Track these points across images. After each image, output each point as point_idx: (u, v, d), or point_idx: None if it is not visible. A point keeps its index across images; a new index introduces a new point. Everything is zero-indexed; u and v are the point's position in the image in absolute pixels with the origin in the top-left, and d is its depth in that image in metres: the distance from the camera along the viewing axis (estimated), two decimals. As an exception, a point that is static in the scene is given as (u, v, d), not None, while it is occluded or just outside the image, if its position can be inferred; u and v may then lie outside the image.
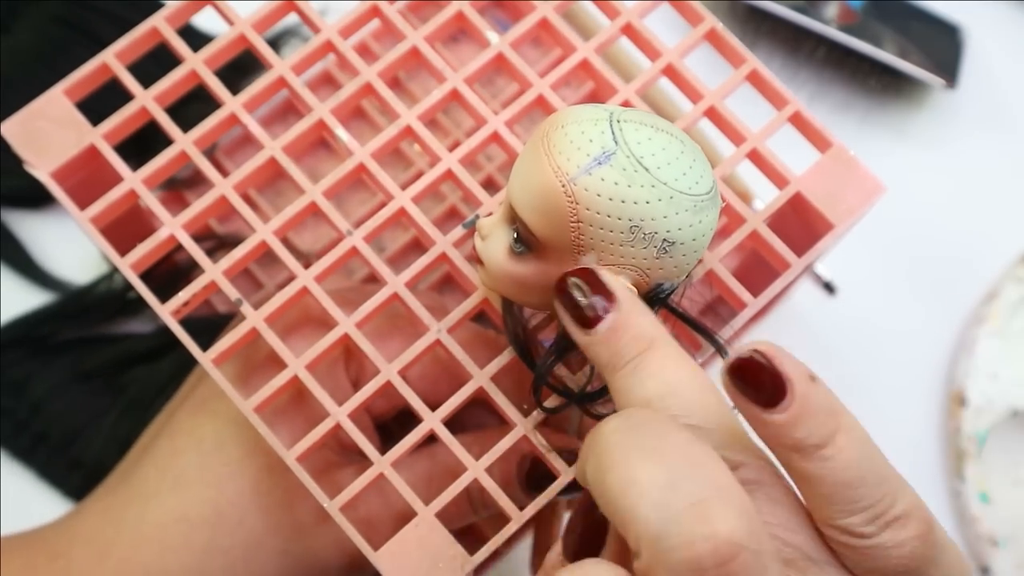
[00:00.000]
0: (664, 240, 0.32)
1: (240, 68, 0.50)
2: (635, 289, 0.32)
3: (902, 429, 0.54)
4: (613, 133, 0.31)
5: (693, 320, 0.36)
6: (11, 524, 0.49)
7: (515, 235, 0.33)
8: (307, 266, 0.38)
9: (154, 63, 0.42)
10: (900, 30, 0.55)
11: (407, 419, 0.46)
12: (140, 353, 0.51)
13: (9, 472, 0.50)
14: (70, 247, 0.51)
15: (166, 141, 0.39)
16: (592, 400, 0.36)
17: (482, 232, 0.34)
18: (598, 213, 0.31)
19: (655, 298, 0.34)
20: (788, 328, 0.55)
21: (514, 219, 0.33)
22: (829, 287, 0.54)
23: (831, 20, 0.54)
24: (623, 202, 0.31)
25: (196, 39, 0.42)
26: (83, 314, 0.51)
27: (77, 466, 0.50)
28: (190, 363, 0.46)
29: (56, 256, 0.53)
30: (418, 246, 0.52)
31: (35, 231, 0.53)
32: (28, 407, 0.50)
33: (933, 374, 0.55)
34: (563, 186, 0.31)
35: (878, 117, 0.56)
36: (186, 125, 0.39)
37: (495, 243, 0.34)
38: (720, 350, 0.36)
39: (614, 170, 0.31)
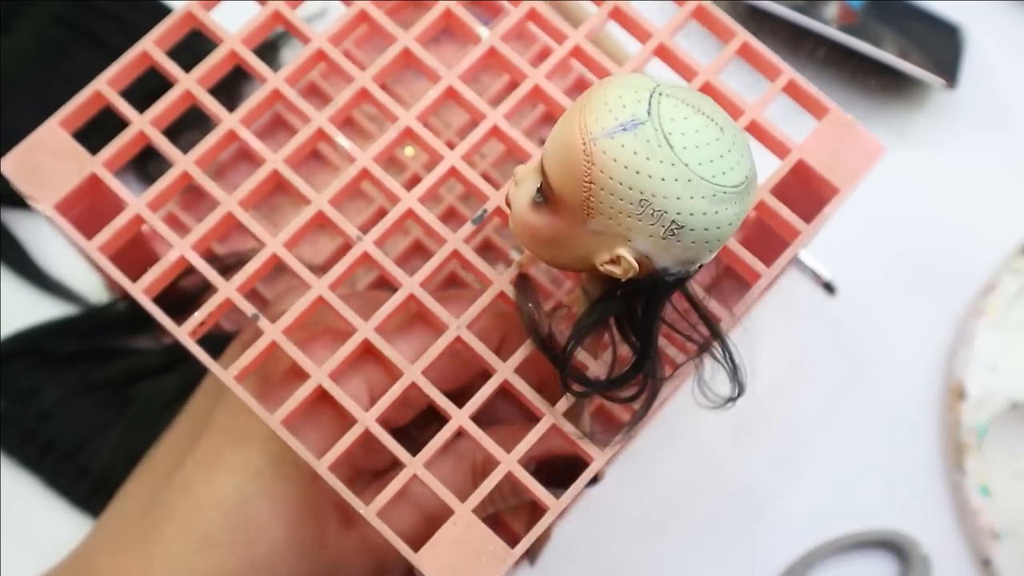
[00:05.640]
0: (673, 222, 0.31)
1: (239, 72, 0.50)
2: (636, 266, 0.32)
3: (902, 423, 0.54)
4: (649, 104, 0.31)
5: (703, 310, 0.36)
6: (16, 533, 0.50)
7: (539, 185, 0.33)
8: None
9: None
10: (900, 30, 0.55)
11: (423, 423, 0.46)
12: (149, 368, 0.51)
13: (16, 481, 0.50)
14: (70, 248, 0.51)
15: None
16: (616, 387, 0.36)
17: (516, 178, 0.34)
18: (611, 179, 0.31)
19: (659, 282, 0.33)
20: (788, 322, 0.55)
21: (543, 169, 0.33)
22: (829, 287, 0.54)
23: (831, 20, 0.54)
24: (637, 173, 0.30)
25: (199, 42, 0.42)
26: (95, 330, 0.51)
27: (84, 475, 0.50)
28: (196, 377, 0.46)
29: (56, 257, 0.53)
30: (419, 249, 0.52)
31: (35, 231, 0.53)
32: (36, 416, 0.50)
33: (932, 367, 0.54)
34: (583, 144, 0.31)
35: (878, 117, 0.57)
36: (185, 128, 0.39)
37: (523, 190, 0.34)
38: (724, 346, 0.36)
39: (637, 140, 0.30)
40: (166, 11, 0.54)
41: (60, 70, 0.53)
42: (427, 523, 0.39)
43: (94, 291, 0.53)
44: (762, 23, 0.57)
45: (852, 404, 0.53)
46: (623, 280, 0.33)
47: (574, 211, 0.32)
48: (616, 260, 0.32)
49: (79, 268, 0.52)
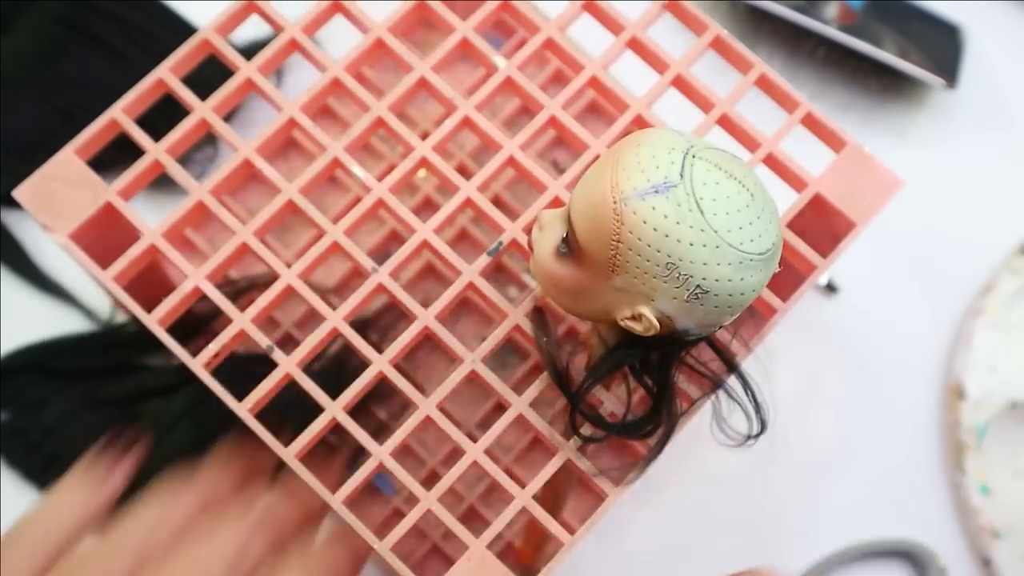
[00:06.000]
0: (698, 286, 0.31)
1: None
2: (657, 325, 0.32)
3: (902, 423, 0.54)
4: (683, 166, 0.30)
5: (724, 355, 0.36)
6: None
7: (564, 236, 0.33)
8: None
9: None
10: (900, 30, 0.55)
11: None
12: (157, 387, 0.51)
13: (18, 493, 0.50)
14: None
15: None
16: (631, 432, 0.36)
17: (541, 222, 0.34)
18: (639, 240, 0.31)
19: (676, 341, 0.34)
20: (787, 325, 0.54)
21: (569, 220, 0.33)
22: (831, 287, 0.54)
23: (831, 20, 0.54)
24: (666, 236, 0.30)
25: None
26: (106, 348, 0.51)
27: None
28: (203, 397, 0.45)
29: (56, 257, 0.53)
30: (430, 273, 0.51)
31: (35, 231, 0.53)
32: (41, 430, 0.50)
33: (931, 367, 0.54)
34: (614, 203, 0.30)
35: (878, 117, 0.56)
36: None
37: (547, 237, 0.34)
38: (746, 385, 0.36)
39: (668, 203, 0.30)
40: (166, 11, 0.54)
41: (60, 70, 0.53)
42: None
43: (93, 293, 0.52)
44: (762, 23, 0.56)
45: (852, 405, 0.53)
46: (642, 336, 0.33)
47: (599, 266, 0.32)
48: (637, 317, 0.32)
49: (78, 269, 0.52)
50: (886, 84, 0.57)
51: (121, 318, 0.52)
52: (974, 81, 0.57)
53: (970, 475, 0.52)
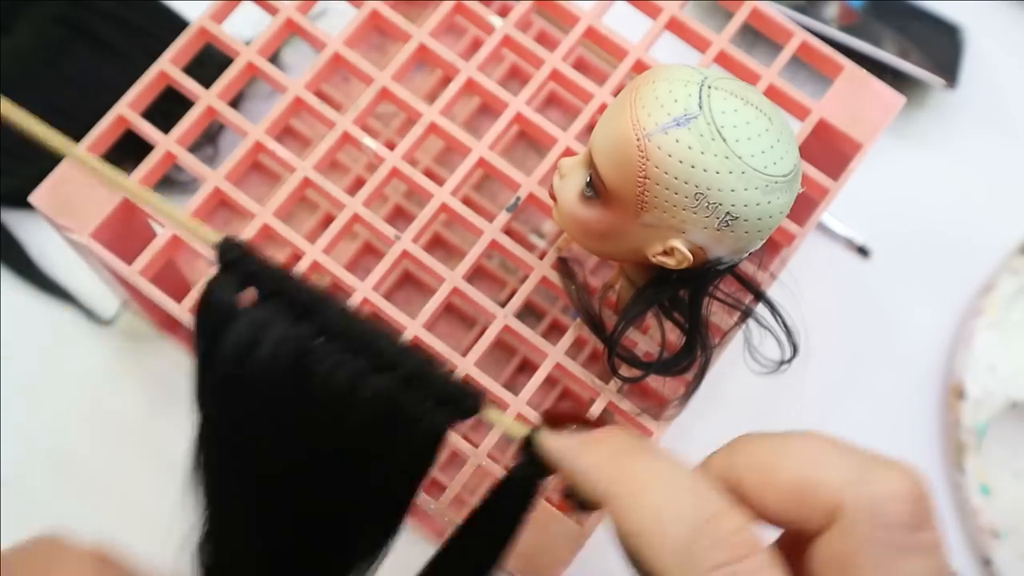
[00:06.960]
0: (727, 213, 0.31)
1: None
2: (691, 257, 0.33)
3: (902, 423, 0.54)
4: (700, 98, 0.31)
5: (751, 286, 0.36)
6: None
7: (588, 180, 0.33)
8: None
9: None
10: (900, 30, 0.55)
11: None
12: None
13: None
14: (69, 248, 0.51)
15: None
16: (669, 369, 0.37)
17: (561, 171, 0.35)
18: (666, 173, 0.31)
19: (705, 273, 0.34)
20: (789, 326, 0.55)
21: (591, 163, 0.33)
22: (863, 251, 0.55)
23: (831, 20, 0.54)
24: (692, 167, 0.31)
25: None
26: None
27: None
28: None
29: (56, 257, 0.52)
30: (437, 243, 0.52)
31: (35, 231, 0.53)
32: None
33: (931, 367, 0.55)
34: (637, 140, 0.31)
35: (878, 117, 0.57)
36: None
37: (570, 184, 0.34)
38: (774, 311, 0.37)
39: (691, 134, 0.31)
40: (165, 12, 0.54)
41: (60, 70, 0.53)
42: None
43: (92, 293, 0.52)
44: (762, 24, 0.57)
45: (852, 404, 0.53)
46: (675, 270, 0.33)
47: (627, 205, 0.32)
48: (670, 251, 0.33)
49: (78, 269, 0.52)
50: (886, 84, 0.57)
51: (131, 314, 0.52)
52: (974, 81, 0.57)
53: (970, 475, 0.52)
